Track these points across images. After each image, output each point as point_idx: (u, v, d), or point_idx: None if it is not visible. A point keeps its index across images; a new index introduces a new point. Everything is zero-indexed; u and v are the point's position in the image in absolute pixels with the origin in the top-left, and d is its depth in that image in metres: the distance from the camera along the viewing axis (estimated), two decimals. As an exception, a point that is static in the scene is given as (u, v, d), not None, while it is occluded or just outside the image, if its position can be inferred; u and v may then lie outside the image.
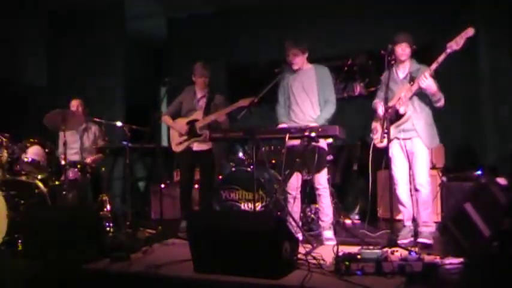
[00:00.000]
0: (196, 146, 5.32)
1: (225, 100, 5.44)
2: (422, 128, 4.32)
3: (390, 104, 4.33)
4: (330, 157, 5.42)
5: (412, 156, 4.38)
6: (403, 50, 4.34)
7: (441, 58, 4.05)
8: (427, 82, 4.11)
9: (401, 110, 4.30)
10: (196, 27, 8.12)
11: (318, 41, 6.76)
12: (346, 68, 7.15)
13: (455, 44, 3.99)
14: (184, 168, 5.47)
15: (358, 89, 7.08)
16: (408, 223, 4.52)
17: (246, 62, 7.79)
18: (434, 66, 4.09)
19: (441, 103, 4.27)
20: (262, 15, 7.64)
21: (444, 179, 5.40)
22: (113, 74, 7.82)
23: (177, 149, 5.38)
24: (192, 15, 8.14)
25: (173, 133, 5.44)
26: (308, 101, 4.54)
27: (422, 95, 4.30)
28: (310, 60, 4.68)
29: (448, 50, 4.01)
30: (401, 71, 4.45)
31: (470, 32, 3.96)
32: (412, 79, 4.30)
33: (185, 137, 5.31)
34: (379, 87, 4.64)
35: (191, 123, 5.29)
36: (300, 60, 4.53)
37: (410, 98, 4.29)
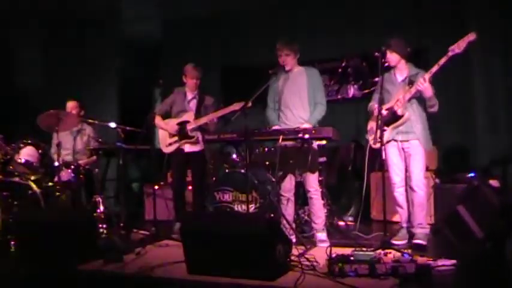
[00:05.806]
0: (188, 148, 5.30)
1: (215, 102, 5.43)
2: (420, 130, 4.33)
3: (388, 105, 4.33)
4: (323, 159, 5.43)
5: (409, 158, 4.38)
6: (388, 56, 4.32)
7: (442, 61, 4.01)
8: (425, 85, 4.09)
9: (400, 111, 4.29)
10: (192, 29, 8.12)
11: (312, 43, 6.79)
12: (340, 70, 7.18)
13: (458, 48, 3.96)
14: (176, 170, 5.45)
15: (352, 90, 7.10)
16: (405, 224, 4.53)
17: (241, 63, 7.79)
18: (435, 68, 4.06)
19: (435, 109, 4.28)
20: (257, 18, 7.65)
21: (437, 181, 5.42)
22: (108, 75, 7.81)
23: (167, 150, 5.35)
24: (187, 17, 8.13)
25: (163, 134, 5.41)
26: (299, 102, 4.53)
27: (420, 99, 4.30)
28: (305, 61, 4.69)
29: (450, 53, 3.98)
30: (400, 74, 4.44)
31: (472, 36, 3.94)
32: (411, 82, 4.28)
33: (176, 138, 5.30)
34: (375, 89, 4.60)
35: (182, 125, 5.28)
36: (291, 61, 4.53)
37: (409, 100, 4.27)
